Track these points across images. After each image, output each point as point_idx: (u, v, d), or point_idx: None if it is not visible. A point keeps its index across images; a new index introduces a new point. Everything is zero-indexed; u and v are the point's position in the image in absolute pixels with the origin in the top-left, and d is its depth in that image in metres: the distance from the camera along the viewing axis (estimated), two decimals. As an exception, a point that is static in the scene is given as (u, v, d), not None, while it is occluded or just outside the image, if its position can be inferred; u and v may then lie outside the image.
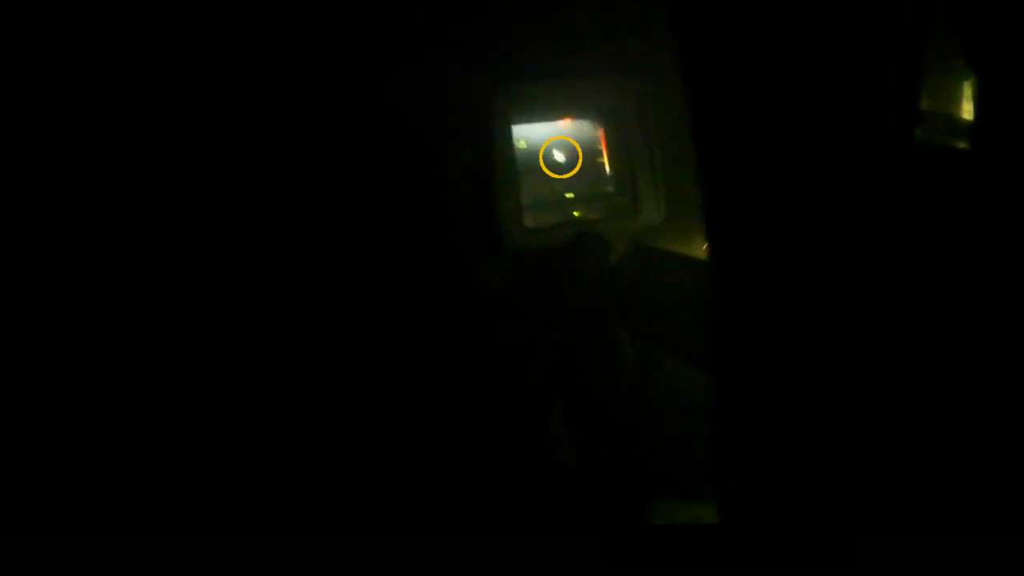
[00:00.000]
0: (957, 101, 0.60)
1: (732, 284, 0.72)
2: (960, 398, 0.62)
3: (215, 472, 0.98)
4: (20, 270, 0.86)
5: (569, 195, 1.49)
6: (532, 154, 1.42)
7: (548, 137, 1.47)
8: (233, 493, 1.00)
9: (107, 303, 0.91)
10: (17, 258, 0.86)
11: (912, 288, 0.63)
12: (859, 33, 0.58)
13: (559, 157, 1.46)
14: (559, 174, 1.49)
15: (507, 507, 1.10)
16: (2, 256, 0.86)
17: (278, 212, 1.04)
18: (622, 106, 1.49)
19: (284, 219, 1.05)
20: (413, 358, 1.15)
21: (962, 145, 0.60)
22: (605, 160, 1.54)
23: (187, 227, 0.97)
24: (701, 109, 0.66)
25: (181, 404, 0.97)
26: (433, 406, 1.17)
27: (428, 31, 1.14)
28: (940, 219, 0.60)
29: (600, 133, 1.52)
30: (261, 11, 0.96)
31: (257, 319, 1.03)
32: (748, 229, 0.66)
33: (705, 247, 0.70)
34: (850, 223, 0.61)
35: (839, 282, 0.65)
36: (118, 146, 0.93)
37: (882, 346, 0.64)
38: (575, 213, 1.48)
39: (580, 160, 1.49)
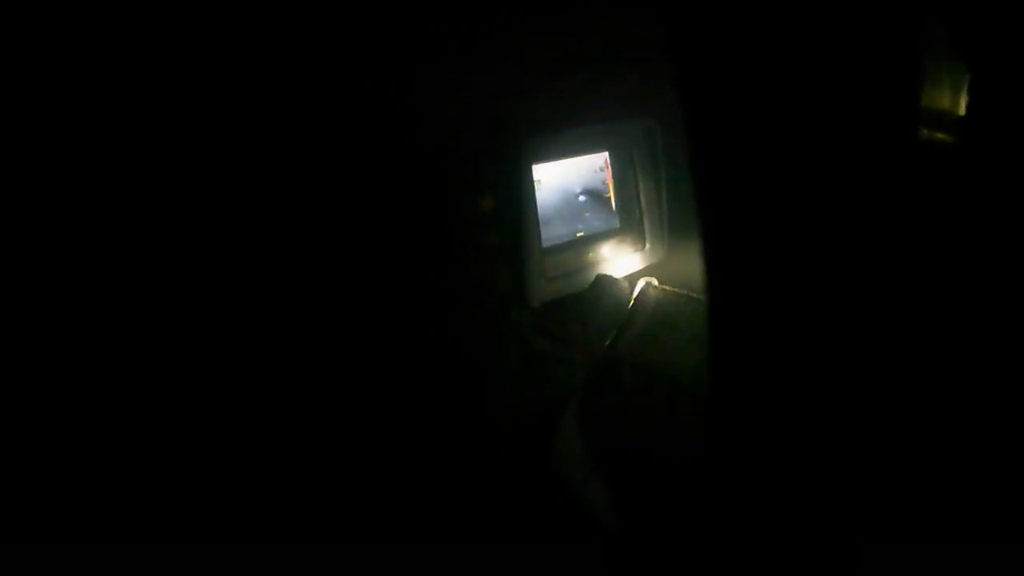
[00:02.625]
0: (956, 98, 0.60)
1: (728, 281, 0.72)
2: (960, 397, 0.62)
3: (215, 472, 0.98)
4: (19, 270, 0.87)
5: (580, 234, 1.48)
6: (542, 193, 1.43)
7: (555, 174, 1.47)
8: (233, 493, 1.00)
9: (105, 302, 0.91)
10: (16, 258, 0.86)
11: (913, 288, 0.63)
12: (859, 43, 0.58)
13: (572, 194, 1.47)
14: (570, 213, 1.49)
15: (509, 507, 1.10)
16: (2, 256, 0.86)
17: (299, 236, 1.05)
18: (629, 144, 1.49)
19: (303, 251, 1.05)
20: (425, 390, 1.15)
21: (961, 141, 0.60)
22: (611, 196, 1.54)
23: (186, 230, 0.97)
24: (699, 126, 0.66)
25: (181, 404, 0.97)
26: (435, 408, 1.17)
27: (448, 80, 1.14)
28: (943, 218, 0.60)
29: (607, 170, 1.52)
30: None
31: (261, 329, 1.03)
32: (744, 226, 0.66)
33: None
34: (855, 242, 0.61)
35: (837, 277, 0.65)
36: (137, 145, 0.93)
37: (882, 345, 0.64)
38: (588, 256, 1.48)
39: (589, 198, 1.50)
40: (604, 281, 1.38)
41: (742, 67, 0.61)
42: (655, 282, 1.33)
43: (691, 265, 1.48)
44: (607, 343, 1.24)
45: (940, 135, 0.60)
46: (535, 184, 1.35)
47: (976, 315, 0.59)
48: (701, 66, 0.63)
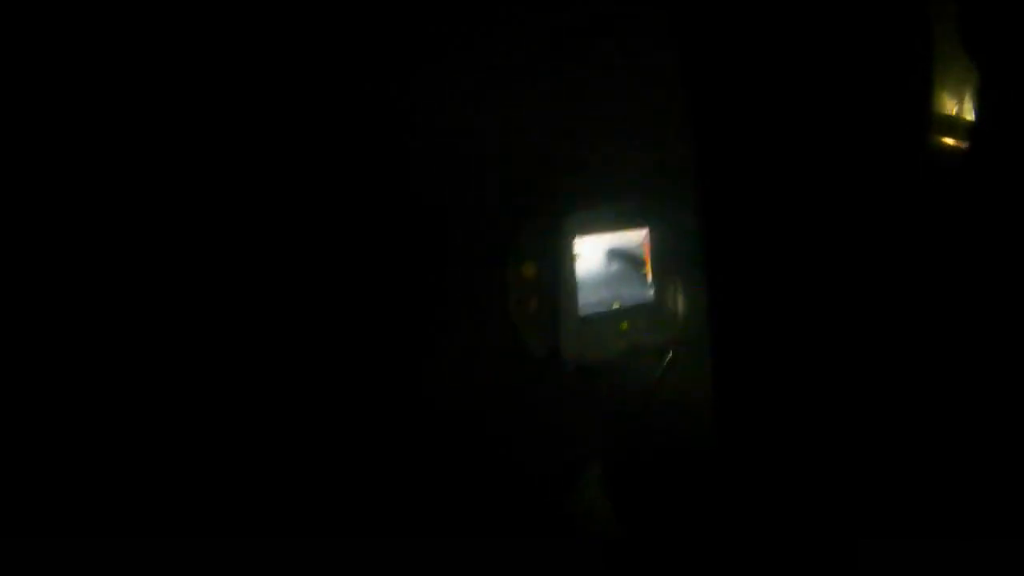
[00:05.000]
0: (965, 102, 0.60)
1: (731, 283, 0.72)
2: (960, 398, 0.62)
3: (215, 472, 0.98)
4: (19, 270, 0.87)
5: (616, 305, 1.54)
6: (582, 264, 1.51)
7: (598, 246, 1.55)
8: (233, 493, 1.00)
9: (100, 301, 0.91)
10: (16, 258, 0.86)
11: (916, 287, 0.63)
12: (868, 50, 0.58)
13: (610, 267, 1.54)
14: (607, 285, 1.57)
15: (508, 507, 1.11)
16: (2, 256, 0.86)
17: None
18: (668, 219, 1.56)
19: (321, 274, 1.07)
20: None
21: (971, 146, 0.61)
22: (648, 270, 1.60)
23: (184, 232, 0.97)
24: (706, 132, 0.66)
25: (180, 404, 0.97)
26: (434, 407, 1.17)
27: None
28: (954, 224, 0.60)
29: (645, 243, 1.59)
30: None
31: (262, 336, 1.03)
32: (744, 225, 0.66)
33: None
34: (864, 249, 0.61)
35: (839, 280, 0.65)
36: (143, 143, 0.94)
37: (884, 346, 0.65)
38: (623, 326, 1.54)
39: (626, 270, 1.57)
40: (637, 350, 1.47)
41: (750, 75, 0.62)
42: (679, 352, 1.40)
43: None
44: (639, 412, 1.32)
45: (950, 141, 0.60)
46: (575, 257, 1.45)
47: (983, 320, 0.59)
48: (709, 75, 0.63)
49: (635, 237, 1.69)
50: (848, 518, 0.68)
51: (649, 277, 1.68)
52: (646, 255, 1.67)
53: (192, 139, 0.98)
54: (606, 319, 1.61)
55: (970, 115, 0.60)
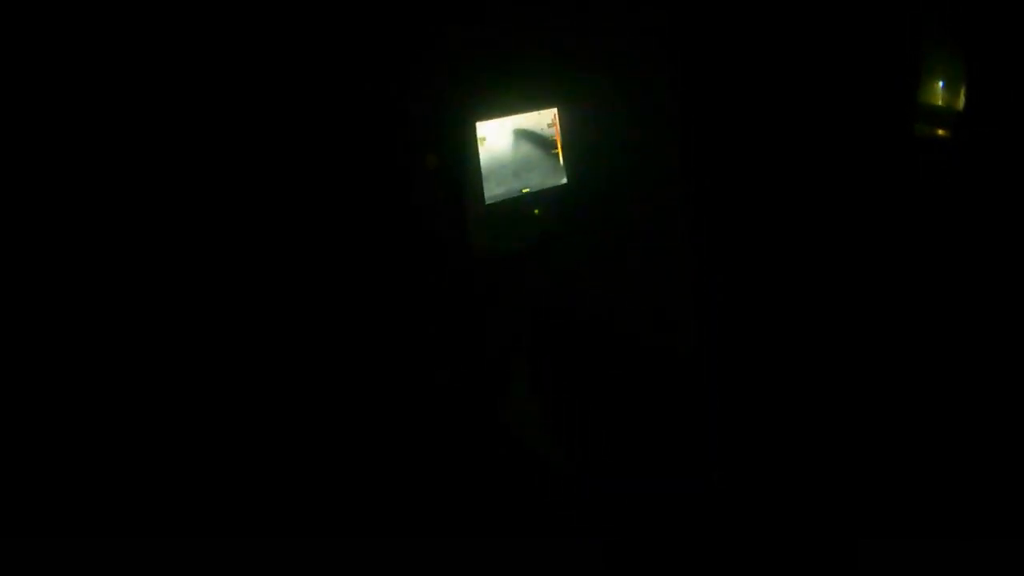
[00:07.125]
0: (954, 93, 0.60)
1: (733, 283, 0.72)
2: (960, 398, 0.62)
3: (215, 472, 0.98)
4: (19, 270, 0.87)
5: (525, 190, 1.50)
6: (489, 150, 1.45)
7: (504, 129, 1.49)
8: (233, 493, 1.00)
9: (101, 302, 0.91)
10: (16, 258, 0.86)
11: (913, 285, 0.63)
12: (859, 36, 0.58)
13: (517, 151, 1.49)
14: (516, 169, 1.52)
15: (507, 507, 1.10)
16: (2, 256, 0.86)
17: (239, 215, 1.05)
18: (578, 99, 1.51)
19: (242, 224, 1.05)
20: (398, 361, 1.16)
21: (959, 137, 0.60)
22: (559, 152, 1.55)
23: (190, 230, 0.97)
24: (702, 112, 0.66)
25: (177, 404, 0.97)
26: (425, 403, 1.17)
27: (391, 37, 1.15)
28: (939, 212, 0.60)
29: (555, 126, 1.54)
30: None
31: (246, 321, 1.03)
32: (749, 224, 0.66)
33: None
34: (850, 218, 0.61)
35: (841, 279, 0.65)
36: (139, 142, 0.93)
37: (883, 344, 0.64)
38: (535, 211, 1.50)
39: (535, 154, 1.52)
40: (549, 237, 1.41)
41: (736, 63, 0.62)
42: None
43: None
44: (553, 299, 1.28)
45: (939, 131, 0.60)
46: (480, 141, 1.38)
47: (978, 315, 0.59)
48: (698, 61, 0.63)
49: (543, 118, 1.60)
50: (848, 518, 0.67)
51: (561, 159, 1.60)
52: (557, 136, 1.59)
53: (193, 138, 0.98)
54: (516, 205, 1.53)
55: (958, 105, 0.59)
